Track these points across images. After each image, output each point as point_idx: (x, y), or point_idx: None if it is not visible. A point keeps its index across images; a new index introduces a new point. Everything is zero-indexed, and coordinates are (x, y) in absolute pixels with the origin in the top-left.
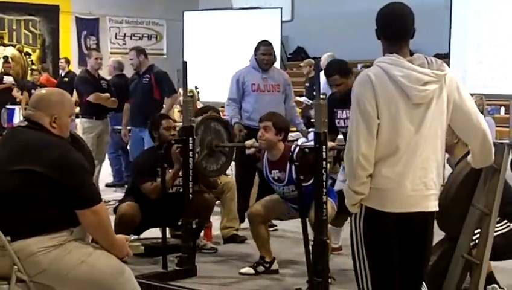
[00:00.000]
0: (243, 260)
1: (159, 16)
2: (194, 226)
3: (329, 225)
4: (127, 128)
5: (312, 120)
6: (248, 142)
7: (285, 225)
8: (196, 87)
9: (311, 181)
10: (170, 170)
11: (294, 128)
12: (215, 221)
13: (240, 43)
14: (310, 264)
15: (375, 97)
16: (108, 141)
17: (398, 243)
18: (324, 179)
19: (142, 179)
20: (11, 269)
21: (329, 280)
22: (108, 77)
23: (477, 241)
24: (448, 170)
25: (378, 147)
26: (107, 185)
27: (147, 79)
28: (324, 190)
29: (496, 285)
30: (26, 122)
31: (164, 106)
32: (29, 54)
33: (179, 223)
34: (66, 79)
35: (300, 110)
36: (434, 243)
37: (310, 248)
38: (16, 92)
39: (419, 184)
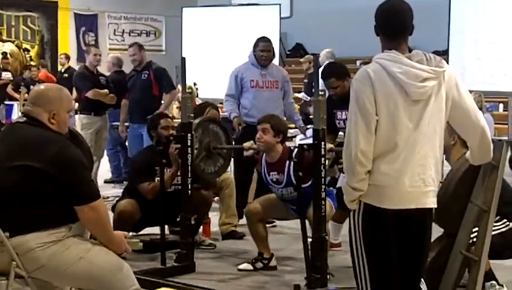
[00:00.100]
0: (241, 256)
1: (158, 12)
2: (193, 222)
3: (330, 221)
4: (124, 125)
5: (311, 116)
6: (246, 144)
7: (283, 222)
8: (195, 84)
9: (309, 183)
10: (169, 170)
11: (293, 125)
12: (214, 217)
13: (239, 39)
14: (308, 260)
15: (373, 93)
16: (107, 137)
17: (397, 239)
18: (323, 175)
19: (140, 180)
20: (10, 264)
21: (328, 277)
22: (107, 73)
23: (475, 239)
24: (447, 166)
25: (377, 144)
26: (106, 181)
27: (146, 75)
28: (323, 186)
29: (494, 282)
30: (24, 118)
31: (163, 102)
32: (28, 50)
33: (178, 219)
34: (66, 75)
35: (298, 107)
36: (433, 239)
37: (309, 244)
38: (10, 89)
39: (418, 181)
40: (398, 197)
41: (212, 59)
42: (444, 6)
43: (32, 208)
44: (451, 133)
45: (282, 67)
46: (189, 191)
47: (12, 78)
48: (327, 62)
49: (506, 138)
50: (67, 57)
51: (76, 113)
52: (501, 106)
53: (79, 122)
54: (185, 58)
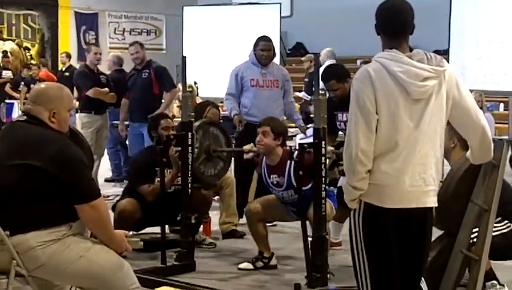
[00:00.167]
0: (241, 255)
1: (158, 11)
2: (193, 221)
3: (331, 220)
4: (124, 124)
5: (311, 116)
6: (246, 147)
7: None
8: (195, 83)
9: (310, 185)
10: (169, 171)
11: (293, 124)
12: (214, 216)
13: (239, 38)
14: (308, 259)
15: (374, 93)
16: (107, 136)
17: (397, 238)
18: (324, 175)
19: (140, 181)
20: (10, 263)
21: (328, 276)
22: (108, 72)
23: (476, 238)
24: (447, 166)
25: (377, 143)
26: (106, 180)
27: (147, 74)
28: (324, 186)
29: (495, 281)
30: (25, 117)
31: (163, 101)
32: (28, 49)
33: (178, 219)
34: (67, 74)
35: (299, 106)
36: (433, 238)
37: (309, 243)
38: (8, 88)
39: (418, 180)
40: (399, 196)
41: (213, 58)
42: (445, 6)
43: (32, 207)
44: (451, 136)
45: (282, 67)
46: (190, 191)
47: (12, 77)
48: (327, 64)
49: (506, 137)
50: (69, 56)
51: (76, 112)
52: (501, 105)
53: (79, 121)
54: (185, 57)
